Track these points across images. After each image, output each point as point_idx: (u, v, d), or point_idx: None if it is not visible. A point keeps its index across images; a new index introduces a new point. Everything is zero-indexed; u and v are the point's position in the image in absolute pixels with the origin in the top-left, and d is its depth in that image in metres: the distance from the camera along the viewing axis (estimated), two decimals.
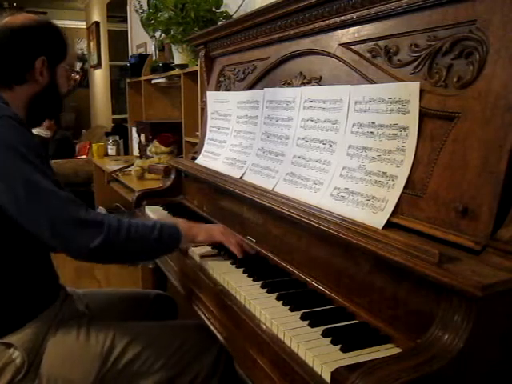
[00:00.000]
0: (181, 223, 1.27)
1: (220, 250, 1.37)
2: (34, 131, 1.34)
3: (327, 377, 0.79)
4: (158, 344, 1.22)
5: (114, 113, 6.50)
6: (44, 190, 1.04)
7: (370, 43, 1.14)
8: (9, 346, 1.10)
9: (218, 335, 1.18)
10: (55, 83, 1.28)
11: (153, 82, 3.64)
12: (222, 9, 2.60)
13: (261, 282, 1.16)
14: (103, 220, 1.08)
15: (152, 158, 3.18)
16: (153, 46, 3.65)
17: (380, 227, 0.96)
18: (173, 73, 3.06)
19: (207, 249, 1.41)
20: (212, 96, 1.92)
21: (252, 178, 1.49)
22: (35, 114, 1.30)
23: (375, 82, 1.10)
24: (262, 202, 1.30)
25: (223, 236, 1.29)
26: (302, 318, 0.98)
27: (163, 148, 3.11)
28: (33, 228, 1.06)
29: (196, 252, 1.39)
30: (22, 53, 1.21)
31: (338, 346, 0.87)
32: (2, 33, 1.20)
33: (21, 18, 1.23)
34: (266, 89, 1.55)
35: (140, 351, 1.19)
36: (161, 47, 3.47)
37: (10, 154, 1.04)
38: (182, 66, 2.82)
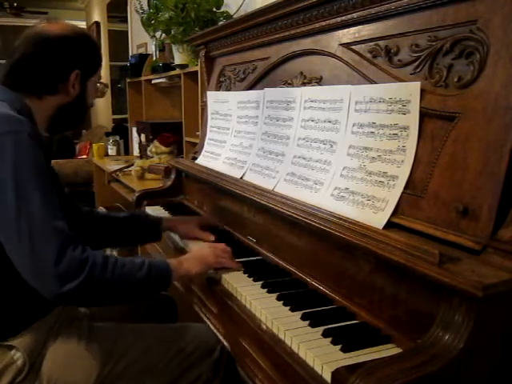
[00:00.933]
0: (171, 259, 1.20)
1: None
2: None
3: (328, 377, 0.79)
4: (158, 347, 1.21)
5: (114, 113, 6.51)
6: (37, 218, 0.99)
7: (371, 43, 1.14)
8: (10, 347, 1.10)
9: (218, 336, 1.18)
10: (84, 96, 1.27)
11: (153, 82, 3.64)
12: (222, 9, 2.60)
13: (261, 282, 1.16)
14: (88, 258, 1.01)
15: (152, 158, 3.18)
16: (153, 46, 3.65)
17: (380, 227, 0.96)
18: (173, 73, 3.06)
19: None
20: (212, 96, 1.92)
21: (252, 178, 1.49)
22: (58, 124, 1.28)
23: (376, 82, 1.10)
24: (262, 202, 1.30)
25: (217, 259, 1.25)
26: (303, 318, 0.98)
27: (163, 148, 3.11)
28: (14, 256, 1.00)
29: None
30: (58, 64, 1.19)
31: (339, 346, 0.87)
32: (39, 40, 1.17)
33: (59, 27, 1.21)
34: (266, 89, 1.55)
35: (141, 354, 1.19)
36: (161, 47, 3.47)
37: (12, 173, 0.99)
38: (182, 66, 2.82)
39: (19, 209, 0.99)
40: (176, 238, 1.59)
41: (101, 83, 1.37)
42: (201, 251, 1.29)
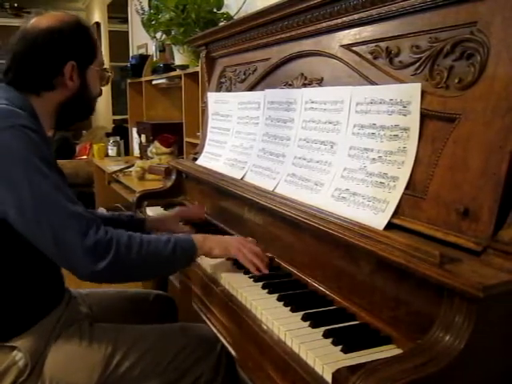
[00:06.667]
0: (196, 236, 1.23)
1: None
2: None
3: (328, 377, 0.79)
4: (159, 347, 1.21)
5: (114, 113, 6.52)
6: (54, 205, 1.01)
7: (371, 44, 1.14)
8: (12, 348, 1.10)
9: (219, 336, 1.18)
10: (86, 86, 1.22)
11: (153, 82, 3.64)
12: (222, 10, 2.60)
13: (262, 283, 1.16)
14: (112, 239, 1.04)
15: (152, 158, 3.18)
16: (153, 47, 3.66)
17: (381, 228, 0.97)
18: (174, 74, 3.06)
19: None
20: (213, 97, 1.92)
21: (253, 178, 1.49)
22: (65, 119, 1.25)
23: (376, 84, 1.10)
24: (262, 202, 1.31)
25: (239, 252, 1.24)
26: (304, 318, 0.98)
27: (164, 149, 3.12)
28: (40, 246, 1.04)
29: None
30: (49, 58, 1.15)
31: (339, 347, 0.87)
32: (26, 37, 1.14)
33: (47, 20, 1.16)
34: (267, 90, 1.55)
35: (142, 355, 1.19)
36: (162, 48, 3.47)
37: (21, 166, 1.00)
38: (182, 67, 2.82)
39: (35, 200, 1.00)
40: None
41: (105, 70, 1.31)
42: (228, 239, 1.31)
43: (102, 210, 3.64)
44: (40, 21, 1.17)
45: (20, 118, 1.06)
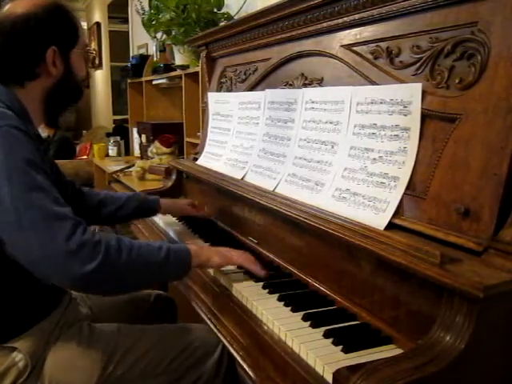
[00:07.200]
0: (191, 245, 1.18)
1: None
2: None
3: (329, 378, 0.79)
4: (159, 348, 1.21)
5: (114, 113, 6.51)
6: (36, 207, 0.95)
7: (372, 44, 1.14)
8: (12, 349, 1.09)
9: (219, 337, 1.18)
10: (71, 71, 1.17)
11: (154, 82, 3.64)
12: (223, 10, 2.60)
13: (262, 283, 1.16)
14: (100, 240, 0.97)
15: (153, 158, 3.18)
16: (154, 47, 3.66)
17: (382, 228, 0.97)
18: (174, 74, 3.07)
19: None
20: (213, 97, 1.92)
21: (253, 178, 1.49)
22: (54, 107, 1.21)
23: (377, 84, 1.10)
24: (263, 202, 1.31)
25: (241, 257, 1.21)
26: (304, 318, 0.98)
27: (164, 149, 3.11)
28: (22, 253, 0.97)
29: None
30: (28, 46, 1.10)
31: (340, 347, 0.87)
32: (3, 24, 1.09)
33: (22, 6, 1.10)
34: (267, 90, 1.55)
35: (141, 356, 1.18)
36: (162, 48, 3.47)
37: (3, 167, 0.95)
38: (183, 67, 2.82)
39: (15, 201, 0.95)
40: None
41: (88, 51, 1.26)
42: (222, 248, 1.25)
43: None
44: (14, 7, 1.11)
45: (6, 117, 1.02)
